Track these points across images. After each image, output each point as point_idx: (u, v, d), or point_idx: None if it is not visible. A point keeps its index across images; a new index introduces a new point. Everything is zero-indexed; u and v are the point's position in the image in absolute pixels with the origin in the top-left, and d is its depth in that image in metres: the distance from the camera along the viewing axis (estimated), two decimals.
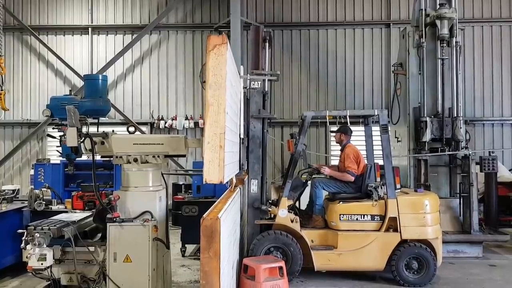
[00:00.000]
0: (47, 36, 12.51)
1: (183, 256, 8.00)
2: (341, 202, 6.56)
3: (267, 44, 8.00)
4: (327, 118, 6.85)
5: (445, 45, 8.26)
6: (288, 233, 6.50)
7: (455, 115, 8.28)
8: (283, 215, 6.56)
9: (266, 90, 7.44)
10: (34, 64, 12.56)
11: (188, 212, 7.85)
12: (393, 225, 6.37)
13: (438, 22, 8.21)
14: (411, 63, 8.64)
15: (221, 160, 3.68)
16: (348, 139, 7.02)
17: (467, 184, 7.88)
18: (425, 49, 8.35)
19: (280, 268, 5.67)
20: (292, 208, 6.87)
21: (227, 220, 4.84)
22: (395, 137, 9.08)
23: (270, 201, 7.07)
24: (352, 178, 6.69)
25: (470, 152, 8.13)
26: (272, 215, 6.72)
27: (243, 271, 5.75)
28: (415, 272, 6.32)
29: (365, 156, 7.17)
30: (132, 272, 4.70)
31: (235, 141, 5.12)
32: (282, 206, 6.60)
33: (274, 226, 6.67)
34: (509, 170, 10.91)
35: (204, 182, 3.72)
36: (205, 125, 3.74)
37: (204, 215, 4.16)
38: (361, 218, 6.44)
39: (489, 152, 8.77)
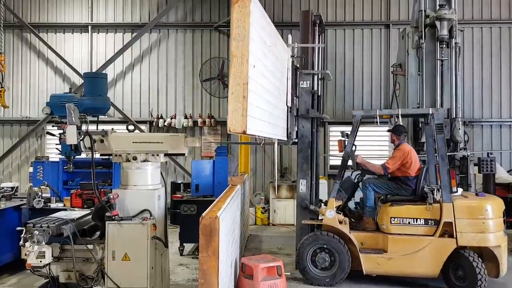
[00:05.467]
0: (46, 34, 12.49)
1: (181, 255, 8.01)
2: (392, 205, 6.37)
3: (316, 28, 7.59)
4: (378, 118, 6.69)
5: (444, 46, 8.28)
6: (336, 235, 6.37)
7: (454, 116, 8.30)
8: (330, 216, 6.43)
9: (315, 89, 7.29)
10: (34, 62, 12.54)
11: (187, 211, 7.86)
12: (448, 231, 6.08)
13: (437, 23, 8.22)
14: (410, 64, 8.64)
15: (244, 110, 3.72)
16: (400, 139, 6.82)
17: (465, 185, 7.90)
18: (424, 50, 8.36)
19: (278, 267, 5.69)
20: (342, 209, 6.74)
21: (226, 219, 4.86)
22: None
23: (324, 202, 6.94)
24: (381, 171, 6.59)
25: (469, 153, 8.15)
26: (321, 216, 6.61)
27: (241, 270, 5.76)
28: (462, 280, 6.02)
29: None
30: (130, 270, 4.72)
31: (271, 101, 5.07)
32: (330, 207, 6.48)
33: (323, 227, 6.57)
34: (507, 172, 10.94)
35: (228, 132, 3.78)
36: (229, 76, 3.80)
37: (203, 214, 4.19)
38: (413, 222, 6.19)
39: (488, 153, 8.79)
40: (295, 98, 6.69)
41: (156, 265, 4.93)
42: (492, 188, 8.71)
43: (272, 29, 5.09)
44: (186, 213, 7.85)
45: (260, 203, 11.44)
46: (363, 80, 12.09)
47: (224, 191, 6.37)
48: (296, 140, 7.04)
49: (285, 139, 6.28)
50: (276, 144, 5.74)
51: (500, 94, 11.86)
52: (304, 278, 6.58)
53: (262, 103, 4.51)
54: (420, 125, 8.32)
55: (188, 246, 8.33)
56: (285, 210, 11.19)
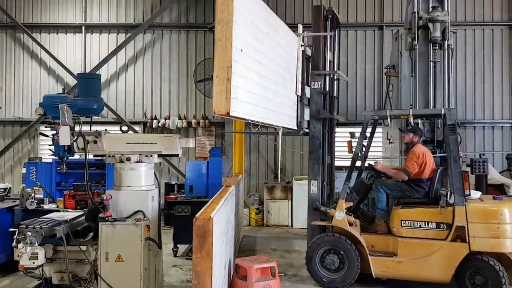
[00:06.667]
0: (40, 34, 12.43)
1: (175, 256, 8.01)
2: (403, 207, 6.24)
3: (328, 23, 7.36)
4: (389, 118, 6.61)
5: (437, 48, 8.31)
6: (346, 237, 6.29)
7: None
8: (339, 217, 6.36)
9: (327, 89, 7.19)
10: (27, 62, 12.47)
11: (181, 212, 7.86)
12: (461, 235, 5.90)
13: (430, 25, 8.25)
14: (403, 65, 8.68)
15: (228, 92, 3.81)
16: (418, 140, 6.66)
17: None
18: (417, 51, 8.39)
19: (272, 268, 5.69)
20: (354, 211, 6.66)
21: (220, 220, 4.87)
22: (387, 139, 9.14)
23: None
24: (405, 177, 6.36)
25: (461, 154, 8.19)
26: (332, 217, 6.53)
27: (235, 271, 5.77)
28: (481, 287, 5.80)
29: None
30: (124, 271, 4.71)
31: (271, 87, 5.07)
32: (339, 208, 6.40)
33: (334, 228, 6.52)
34: (500, 173, 11.01)
35: (213, 114, 3.90)
36: (214, 60, 3.90)
37: (197, 215, 4.20)
38: (424, 225, 6.05)
39: (480, 154, 8.84)
40: (306, 87, 6.59)
41: (149, 266, 4.92)
42: (485, 189, 8.76)
43: (271, 16, 5.06)
44: (180, 214, 7.84)
45: (254, 204, 11.45)
46: (356, 81, 12.12)
47: (218, 192, 6.37)
48: (308, 131, 6.97)
49: (294, 128, 6.23)
50: (280, 132, 5.74)
51: (492, 96, 11.94)
52: (313, 279, 6.52)
53: (254, 87, 4.52)
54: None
55: (182, 247, 8.32)
56: (279, 211, 11.21)
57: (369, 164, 6.81)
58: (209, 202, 5.22)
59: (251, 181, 12.01)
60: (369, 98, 12.09)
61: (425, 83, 8.44)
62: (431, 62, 8.37)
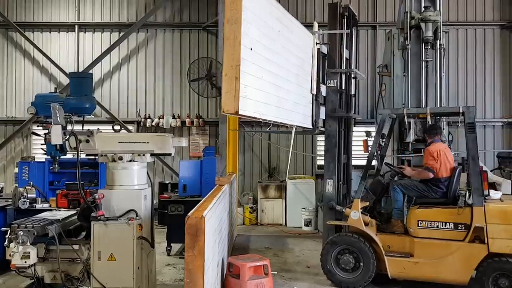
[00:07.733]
0: (32, 33, 12.37)
1: (168, 255, 8.01)
2: (420, 207, 6.16)
3: (344, 20, 7.28)
4: (405, 116, 6.61)
5: (429, 47, 8.36)
6: (361, 236, 6.22)
7: (439, 116, 8.39)
8: (355, 217, 6.27)
9: (343, 88, 7.13)
10: (19, 61, 12.42)
11: (174, 211, 7.87)
12: (480, 236, 5.77)
13: (422, 24, 8.31)
14: (395, 65, 8.72)
15: (236, 91, 3.80)
16: (433, 138, 6.53)
17: None
18: (409, 51, 8.44)
19: (265, 266, 5.72)
20: (370, 210, 6.59)
21: (212, 219, 4.88)
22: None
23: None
24: (430, 175, 6.21)
25: (453, 153, 8.24)
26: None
27: (228, 269, 5.79)
28: None
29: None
30: (116, 270, 4.72)
31: (284, 86, 5.05)
32: (355, 208, 6.31)
33: (350, 228, 6.47)
34: (491, 171, 11.09)
35: (222, 112, 3.89)
36: (223, 58, 3.90)
37: (189, 214, 4.21)
38: (442, 225, 5.94)
39: None
40: (322, 86, 6.56)
41: (142, 265, 4.93)
42: None
43: (283, 14, 5.02)
44: (174, 213, 7.85)
45: (248, 203, 11.47)
46: None
47: (211, 191, 6.38)
48: (323, 129, 6.95)
49: (309, 126, 6.20)
50: (294, 130, 5.74)
51: (484, 95, 12.02)
52: (329, 280, 6.47)
53: (266, 86, 4.48)
54: (406, 126, 8.39)
55: (176, 247, 8.32)
56: (273, 210, 11.25)
57: (386, 163, 6.72)
58: (202, 201, 5.23)
59: (245, 180, 12.04)
60: (363, 96, 12.12)
61: (417, 83, 8.49)
62: (423, 62, 8.42)
